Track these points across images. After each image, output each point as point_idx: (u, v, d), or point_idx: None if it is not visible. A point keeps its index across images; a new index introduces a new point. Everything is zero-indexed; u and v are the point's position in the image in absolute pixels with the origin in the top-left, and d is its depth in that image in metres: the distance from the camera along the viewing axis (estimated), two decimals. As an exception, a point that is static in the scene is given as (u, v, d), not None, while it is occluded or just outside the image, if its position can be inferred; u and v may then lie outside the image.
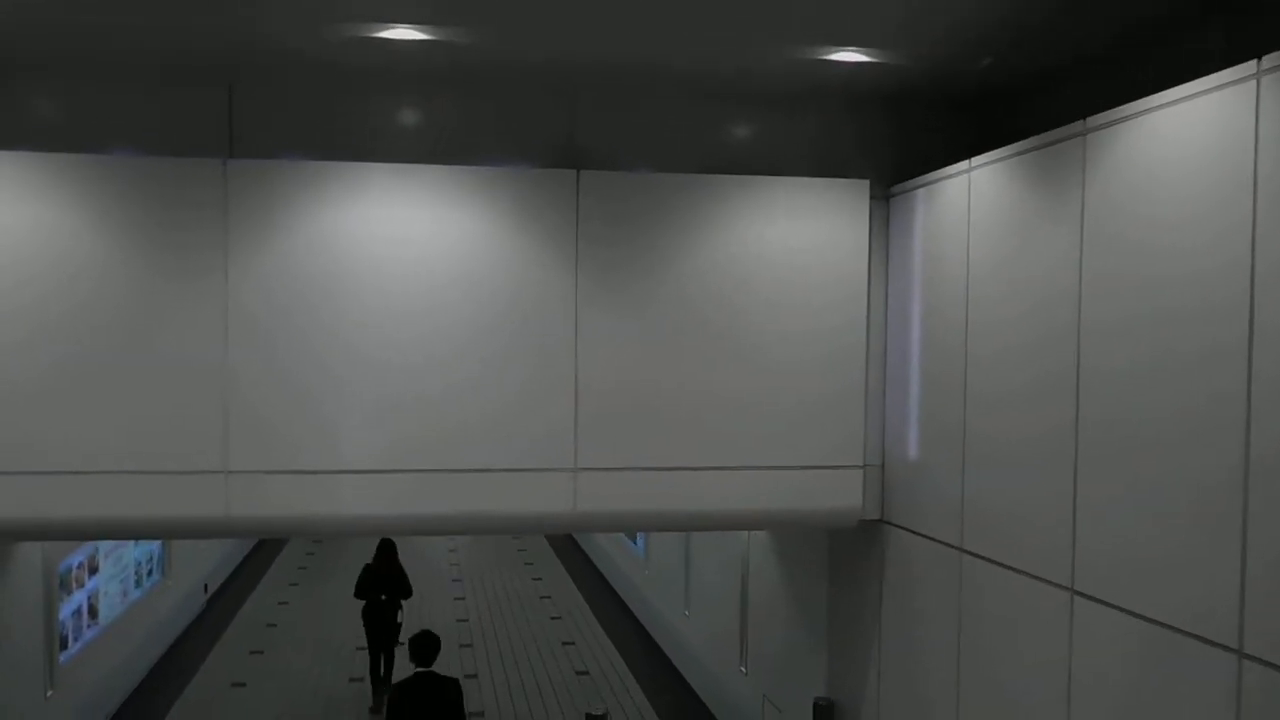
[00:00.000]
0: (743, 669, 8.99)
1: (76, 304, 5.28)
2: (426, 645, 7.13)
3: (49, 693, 8.08)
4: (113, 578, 10.01)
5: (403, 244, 5.56)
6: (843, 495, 6.01)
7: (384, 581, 10.79)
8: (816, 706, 6.85)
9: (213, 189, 5.39)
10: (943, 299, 5.49)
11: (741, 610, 9.01)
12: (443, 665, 7.46)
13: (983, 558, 5.06)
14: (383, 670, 10.76)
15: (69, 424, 5.28)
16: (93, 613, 9.39)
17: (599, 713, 6.60)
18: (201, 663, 11.80)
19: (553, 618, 13.92)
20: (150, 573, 11.38)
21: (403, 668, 9.70)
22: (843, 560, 6.81)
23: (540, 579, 16.29)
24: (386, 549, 10.97)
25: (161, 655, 11.80)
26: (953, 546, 5.34)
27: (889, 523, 6.11)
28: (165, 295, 5.38)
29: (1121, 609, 4.05)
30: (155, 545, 11.56)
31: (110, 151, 5.45)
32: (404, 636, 9.39)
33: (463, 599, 14.95)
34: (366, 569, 10.92)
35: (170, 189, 5.37)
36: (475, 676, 11.38)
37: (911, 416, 5.89)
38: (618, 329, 5.76)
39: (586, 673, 11.57)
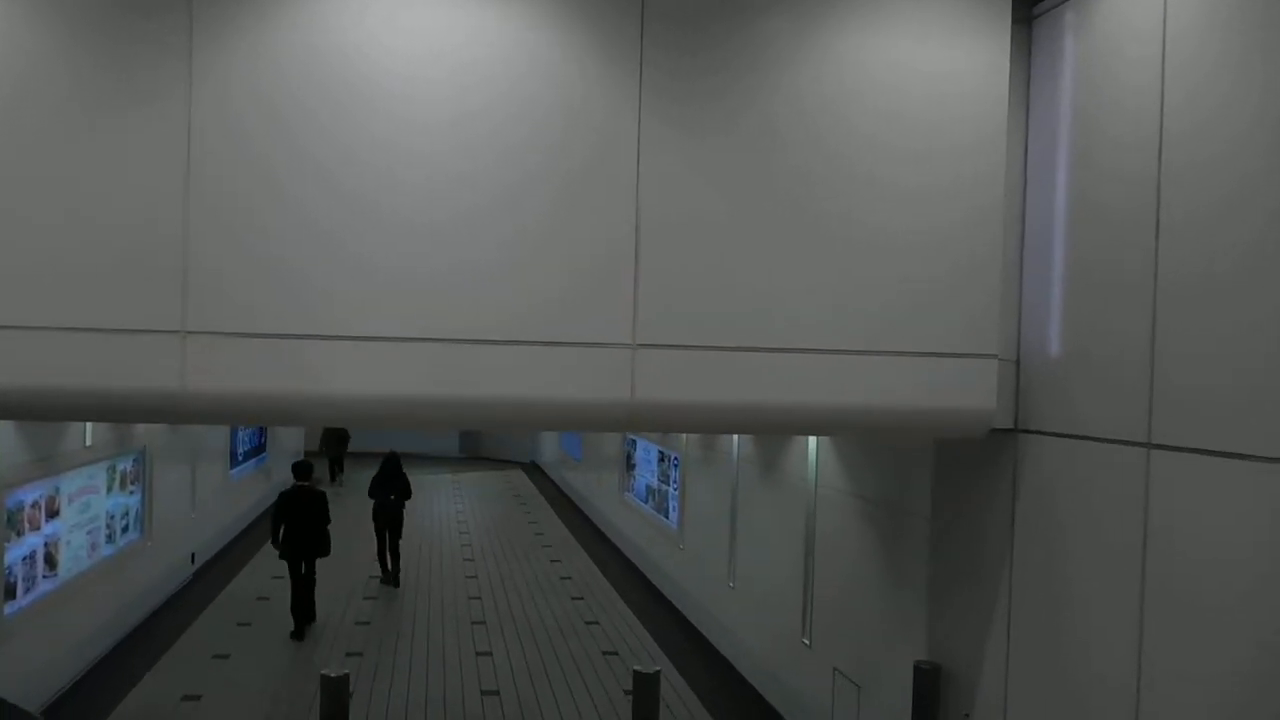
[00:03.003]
0: (805, 641, 7.66)
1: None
2: (304, 466, 11.24)
3: (-12, 646, 6.83)
4: (78, 527, 8.73)
5: (419, 59, 4.31)
6: (972, 392, 4.71)
7: (391, 485, 13.25)
8: (918, 672, 5.52)
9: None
10: (1116, 146, 4.21)
11: (805, 574, 7.69)
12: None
13: (1189, 450, 3.77)
14: (388, 555, 13.18)
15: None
16: (51, 562, 8.12)
17: (650, 671, 5.30)
18: (182, 632, 10.51)
19: (574, 598, 12.60)
20: (126, 528, 10.10)
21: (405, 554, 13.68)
22: (954, 489, 5.50)
23: (559, 561, 14.97)
24: (392, 459, 13.43)
25: (138, 623, 10.51)
26: (1137, 444, 4.04)
27: (1028, 430, 4.80)
28: (115, 112, 4.14)
29: None
30: (132, 499, 10.29)
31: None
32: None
33: (474, 577, 13.64)
34: (376, 476, 13.37)
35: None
36: (489, 654, 10.07)
37: (1060, 300, 4.60)
38: (688, 172, 4.50)
39: (615, 653, 10.24)
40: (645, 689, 5.20)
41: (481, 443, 30.41)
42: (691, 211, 4.49)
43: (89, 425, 8.83)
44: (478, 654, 10.06)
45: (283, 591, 12.58)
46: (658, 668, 5.31)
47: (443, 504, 20.33)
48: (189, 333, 4.21)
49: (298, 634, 10.43)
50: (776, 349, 4.55)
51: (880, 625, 6.41)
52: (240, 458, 16.31)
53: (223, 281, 4.22)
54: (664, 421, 4.70)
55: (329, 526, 10.90)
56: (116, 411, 4.69)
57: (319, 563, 10.88)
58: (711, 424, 4.84)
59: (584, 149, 4.44)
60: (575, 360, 4.42)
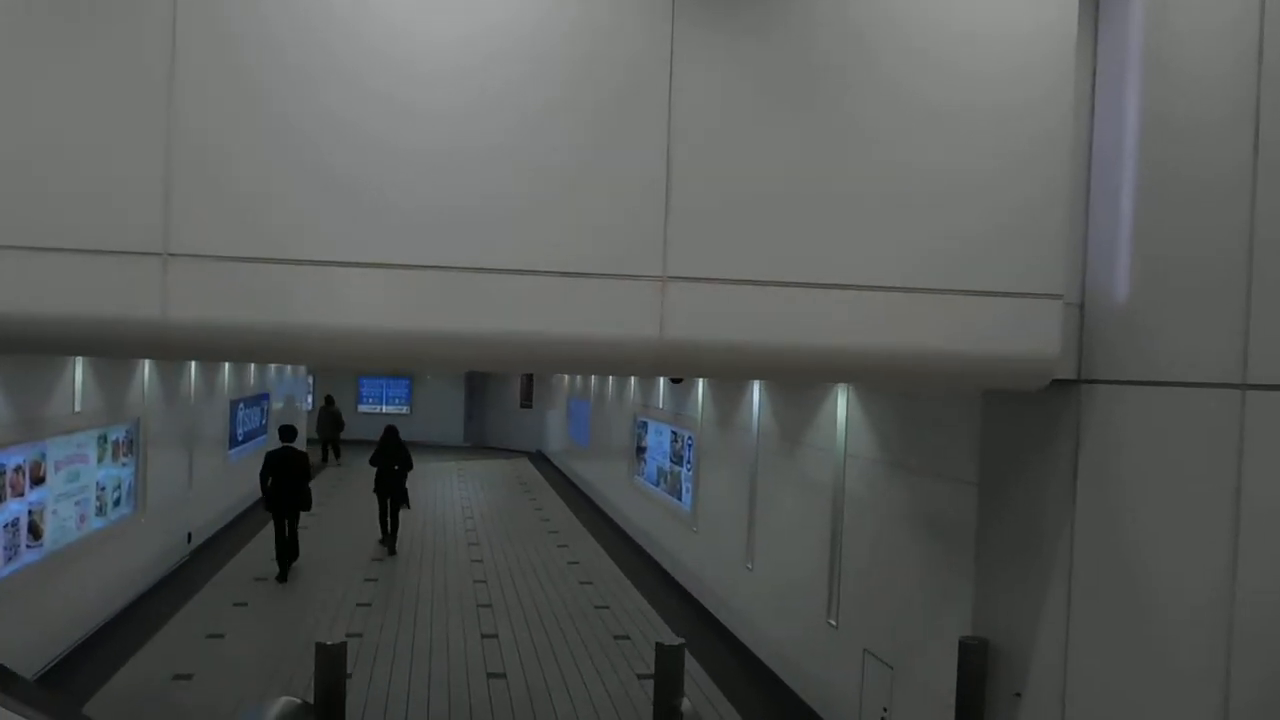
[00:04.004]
0: (831, 622, 7.23)
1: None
2: (289, 430, 12.40)
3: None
4: (66, 496, 8.32)
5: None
6: (1033, 337, 4.26)
7: (392, 455, 13.96)
8: (964, 648, 5.08)
9: None
10: (1202, 45, 3.75)
11: (832, 551, 7.25)
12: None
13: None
14: (389, 522, 13.82)
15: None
16: (35, 532, 7.70)
17: (673, 644, 4.87)
18: (176, 611, 10.10)
19: (583, 583, 12.17)
20: (118, 502, 9.69)
21: (406, 522, 14.52)
22: (1004, 452, 5.05)
23: (566, 546, 14.54)
24: (391, 431, 14.22)
25: (131, 601, 10.10)
26: (1229, 385, 3.60)
27: (1093, 380, 4.36)
28: (95, 20, 3.72)
29: None
30: (125, 472, 9.88)
31: None
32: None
33: (480, 561, 13.22)
34: (378, 448, 14.06)
35: None
36: (495, 637, 9.65)
37: (1133, 231, 4.16)
38: (725, 92, 4.06)
39: (626, 637, 9.81)
40: (669, 662, 4.77)
41: (486, 432, 30.02)
42: (728, 134, 4.05)
43: (78, 389, 8.42)
44: (483, 636, 9.64)
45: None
46: (681, 640, 4.88)
47: (447, 491, 19.92)
48: (171, 255, 3.79)
49: (282, 577, 11.66)
50: (818, 285, 4.11)
51: (917, 602, 5.97)
52: (240, 439, 15.91)
53: (210, 199, 3.79)
54: (695, 363, 4.25)
55: (309, 483, 12.29)
56: (90, 342, 4.25)
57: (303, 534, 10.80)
58: (746, 367, 4.40)
59: (612, 67, 4.00)
60: (599, 293, 3.98)
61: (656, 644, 4.88)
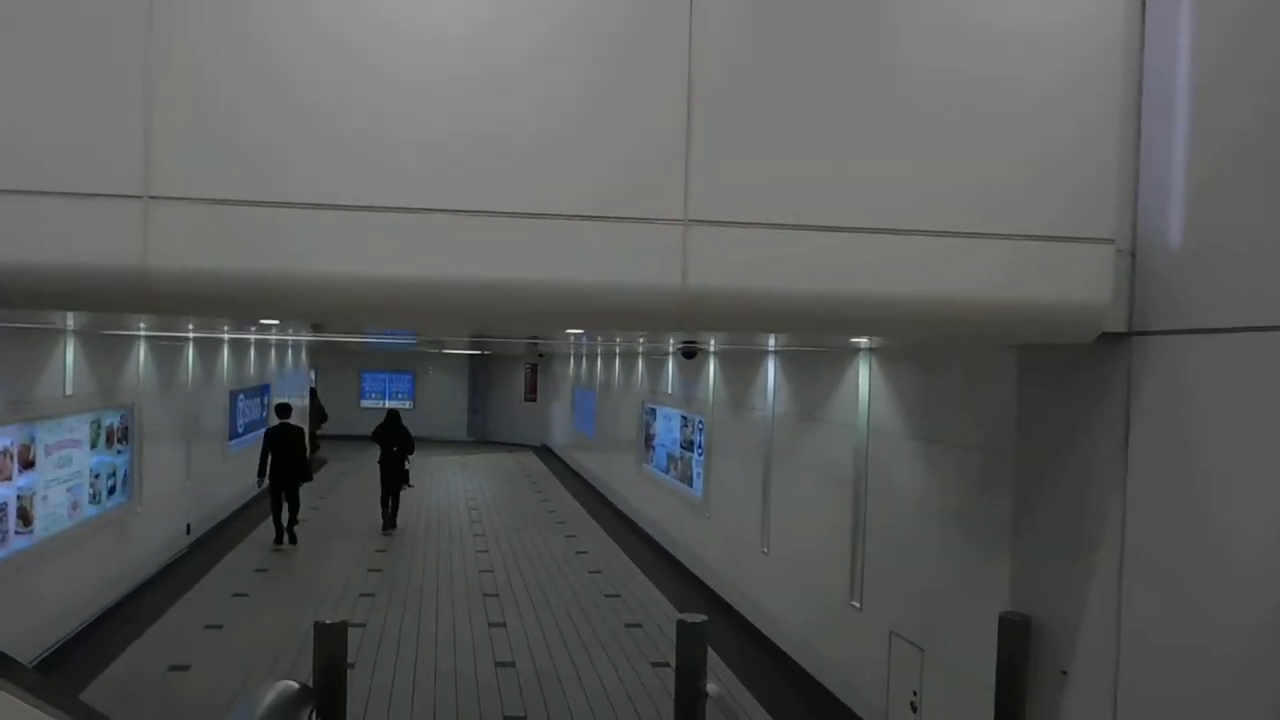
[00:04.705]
0: (854, 603, 6.92)
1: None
2: (284, 407, 13.51)
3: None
4: (57, 482, 8.02)
5: None
6: (1081, 284, 3.94)
7: (394, 437, 14.27)
8: (1004, 625, 4.77)
9: None
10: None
11: (854, 530, 6.95)
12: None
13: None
14: (390, 503, 14.18)
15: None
16: (24, 518, 7.41)
17: (696, 620, 4.56)
18: (174, 603, 9.81)
19: (592, 572, 11.88)
20: (112, 490, 9.39)
21: (405, 501, 14.91)
22: (1044, 416, 4.74)
23: (574, 536, 14.24)
24: (393, 414, 14.65)
25: (127, 592, 9.81)
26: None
27: (1147, 332, 4.05)
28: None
29: None
30: (120, 459, 9.58)
31: None
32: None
33: (486, 552, 12.92)
34: (379, 427, 14.47)
35: None
36: (503, 625, 9.35)
37: (1189, 163, 3.85)
38: (751, 16, 3.75)
39: (639, 625, 9.52)
40: (691, 640, 4.46)
41: (490, 426, 29.73)
42: (755, 62, 3.74)
43: (69, 371, 8.13)
44: (490, 625, 9.34)
45: (284, 562, 11.99)
46: (704, 616, 4.57)
47: (450, 485, 19.63)
48: (153, 198, 3.48)
49: (278, 541, 12.64)
50: (852, 229, 3.79)
51: (949, 579, 5.67)
52: (241, 430, 15.63)
53: (196, 136, 3.48)
54: (721, 314, 3.94)
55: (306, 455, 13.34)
56: (64, 295, 3.93)
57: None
58: (775, 317, 4.09)
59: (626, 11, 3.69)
60: (615, 237, 3.66)
61: (678, 620, 4.57)
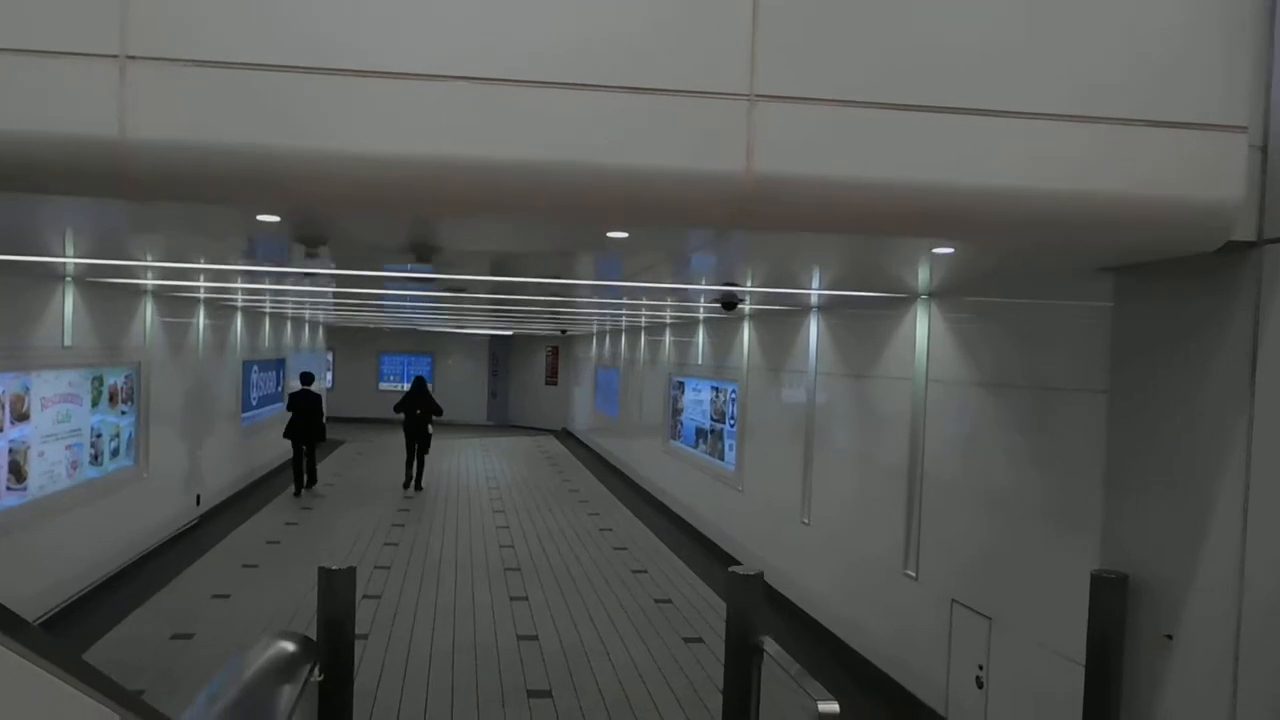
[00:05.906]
0: (909, 573, 6.37)
1: None
2: (307, 375, 15.17)
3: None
4: (54, 438, 7.56)
5: None
6: (1209, 179, 3.38)
7: (419, 402, 15.37)
8: (1097, 583, 4.21)
9: None
10: None
11: (909, 493, 6.39)
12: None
13: None
14: (414, 467, 15.28)
15: None
16: (17, 473, 6.95)
17: (750, 573, 4.03)
18: (181, 571, 9.36)
19: (617, 548, 11.36)
20: (116, 452, 8.93)
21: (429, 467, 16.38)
22: (1146, 347, 4.18)
23: (597, 514, 13.72)
24: (419, 381, 15.86)
25: (132, 560, 9.36)
26: None
27: (1284, 239, 3.48)
28: None
29: None
30: (124, 420, 9.12)
31: None
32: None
33: (506, 528, 12.43)
34: (407, 394, 15.60)
35: None
36: (525, 599, 8.85)
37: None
38: None
39: (668, 600, 8.99)
40: (746, 594, 3.93)
41: (510, 410, 29.27)
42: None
43: (68, 322, 7.67)
44: (512, 599, 8.84)
45: (296, 534, 11.58)
46: (759, 569, 4.03)
47: (470, 466, 19.15)
48: (130, 58, 2.97)
49: (297, 493, 14.29)
50: (943, 109, 3.24)
51: (1023, 539, 5.10)
52: (254, 403, 15.19)
53: (176, -13, 2.97)
54: (791, 209, 3.39)
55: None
56: (23, 170, 3.41)
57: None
58: (854, 214, 3.53)
59: None
60: (668, 113, 3.13)
61: (730, 572, 4.03)
